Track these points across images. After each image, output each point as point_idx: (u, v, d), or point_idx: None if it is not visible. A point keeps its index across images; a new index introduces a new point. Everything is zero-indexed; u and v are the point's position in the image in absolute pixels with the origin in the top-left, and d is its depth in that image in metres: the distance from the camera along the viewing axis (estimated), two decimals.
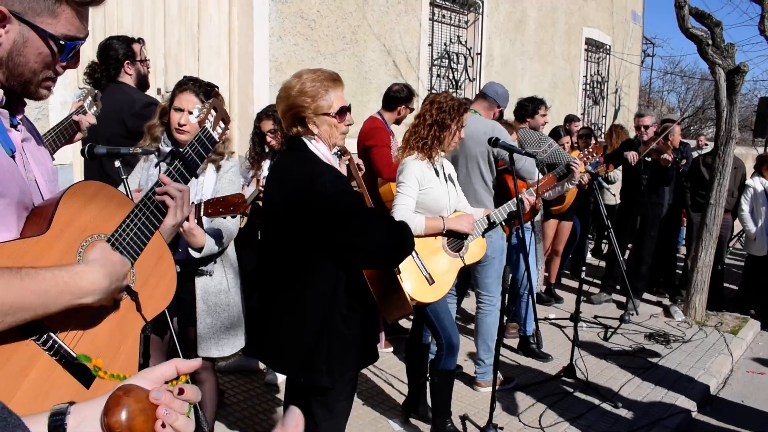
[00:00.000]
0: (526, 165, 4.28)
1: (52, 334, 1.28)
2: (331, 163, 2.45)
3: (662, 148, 6.20)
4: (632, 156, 5.92)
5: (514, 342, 5.43)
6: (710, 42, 6.34)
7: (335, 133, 2.48)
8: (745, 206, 6.85)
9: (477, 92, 5.10)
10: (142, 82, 3.85)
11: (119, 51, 3.72)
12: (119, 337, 1.42)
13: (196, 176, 1.82)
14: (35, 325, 1.25)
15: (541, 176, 4.02)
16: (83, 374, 1.32)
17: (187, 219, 2.52)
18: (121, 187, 2.56)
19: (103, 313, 1.40)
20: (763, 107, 10.30)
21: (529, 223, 5.06)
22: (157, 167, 2.82)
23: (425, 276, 3.28)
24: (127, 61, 3.74)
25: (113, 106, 3.59)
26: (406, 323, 5.26)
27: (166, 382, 0.98)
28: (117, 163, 2.49)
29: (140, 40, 3.87)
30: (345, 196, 2.37)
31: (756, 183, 6.83)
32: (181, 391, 0.95)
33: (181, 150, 1.84)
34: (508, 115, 5.92)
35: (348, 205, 2.36)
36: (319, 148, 2.44)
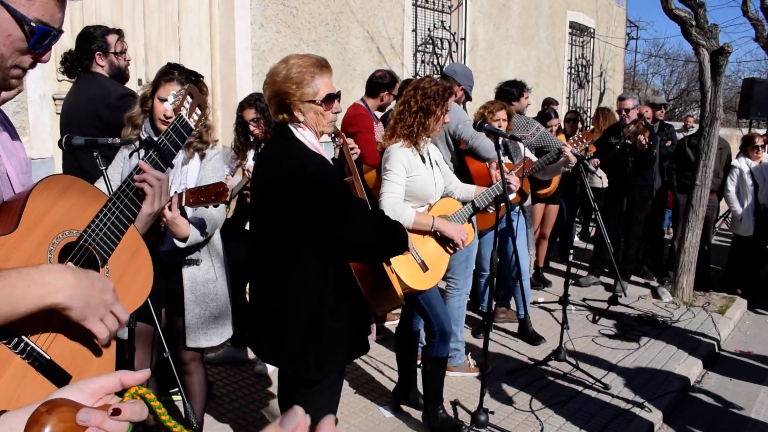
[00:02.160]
0: (483, 144, 4.22)
1: (24, 337, 1.22)
2: (318, 151, 2.40)
3: (639, 130, 6.21)
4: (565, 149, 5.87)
5: (505, 326, 5.45)
6: (694, 23, 6.33)
7: (322, 121, 2.42)
8: (732, 187, 6.88)
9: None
10: (119, 74, 3.74)
11: (91, 42, 3.64)
12: (94, 336, 1.37)
13: (171, 166, 1.77)
14: (5, 330, 1.18)
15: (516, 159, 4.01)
16: (57, 376, 1.27)
17: (170, 209, 2.48)
18: (101, 181, 2.52)
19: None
20: (747, 88, 10.33)
21: (519, 207, 5.05)
22: (131, 157, 2.76)
23: (419, 263, 3.26)
24: (98, 53, 3.64)
25: (88, 97, 3.52)
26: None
27: (123, 393, 0.88)
28: (95, 154, 2.43)
29: (118, 32, 3.78)
30: (332, 188, 2.32)
31: (742, 164, 6.86)
32: (116, 412, 0.82)
33: (155, 139, 1.80)
34: (489, 98, 5.89)
35: (337, 198, 2.32)
36: (305, 135, 2.39)
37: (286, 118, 2.40)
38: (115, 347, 1.45)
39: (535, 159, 5.00)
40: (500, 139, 4.66)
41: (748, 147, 6.91)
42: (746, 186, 6.78)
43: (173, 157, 1.79)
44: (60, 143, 2.61)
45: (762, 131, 8.95)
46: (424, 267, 3.26)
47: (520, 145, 5.08)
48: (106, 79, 3.64)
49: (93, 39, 3.66)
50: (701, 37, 6.29)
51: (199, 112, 1.96)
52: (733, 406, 4.39)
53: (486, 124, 3.55)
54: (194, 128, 1.91)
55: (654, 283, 7.05)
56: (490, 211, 3.63)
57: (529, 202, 5.16)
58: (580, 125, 8.32)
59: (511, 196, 4.70)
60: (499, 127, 4.81)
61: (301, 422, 0.67)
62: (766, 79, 11.62)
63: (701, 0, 6.40)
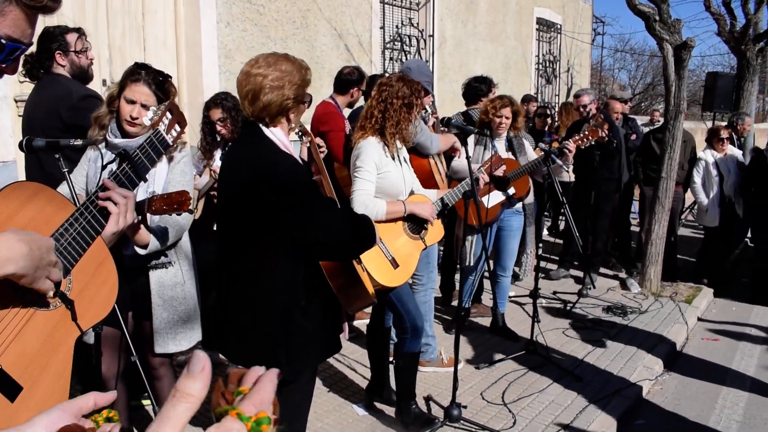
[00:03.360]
0: (424, 140, 4.23)
1: None
2: (288, 150, 2.39)
3: (599, 123, 6.28)
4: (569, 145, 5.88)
5: (478, 321, 5.49)
6: (657, 18, 6.43)
7: (299, 120, 2.45)
8: (697, 179, 7.00)
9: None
10: (81, 73, 3.66)
11: (51, 41, 3.56)
12: (51, 348, 1.32)
13: (145, 180, 1.74)
14: None
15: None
16: (8, 387, 1.24)
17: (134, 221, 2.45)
18: (63, 185, 2.48)
19: (35, 323, 1.31)
20: (710, 82, 10.53)
21: (521, 205, 5.07)
22: (104, 169, 2.71)
23: (389, 260, 3.27)
24: (58, 52, 3.56)
25: (49, 98, 3.44)
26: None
27: (94, 414, 0.90)
28: (57, 156, 2.39)
29: (78, 30, 3.70)
30: (302, 188, 2.31)
31: (707, 156, 6.98)
32: None
33: (130, 153, 1.76)
34: (458, 94, 5.92)
35: (306, 197, 2.31)
36: (276, 134, 2.37)
37: (274, 121, 2.37)
38: (82, 352, 1.43)
39: (532, 156, 5.01)
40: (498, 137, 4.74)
41: (713, 139, 7.04)
42: (711, 177, 6.91)
43: (147, 171, 1.76)
44: (21, 145, 2.56)
45: (724, 123, 9.14)
46: (395, 264, 3.27)
47: (526, 142, 5.13)
48: (68, 80, 3.56)
49: (52, 38, 3.57)
50: (665, 32, 6.39)
51: (178, 129, 1.94)
52: (698, 397, 4.48)
53: (453, 120, 3.56)
54: (171, 145, 1.89)
55: (622, 274, 7.15)
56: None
57: (531, 199, 5.16)
58: (549, 121, 8.41)
59: (510, 191, 4.75)
60: (500, 124, 4.83)
61: (206, 364, 0.69)
62: (729, 73, 11.85)
63: None
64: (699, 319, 6.09)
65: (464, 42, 10.07)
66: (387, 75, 3.76)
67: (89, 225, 1.49)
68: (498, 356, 4.75)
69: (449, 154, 4.79)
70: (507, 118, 4.83)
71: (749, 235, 7.81)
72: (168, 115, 1.89)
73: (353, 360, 4.59)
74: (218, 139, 4.20)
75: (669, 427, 4.05)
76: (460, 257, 3.74)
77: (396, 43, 8.76)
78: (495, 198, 4.68)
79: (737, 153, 7.14)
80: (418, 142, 4.18)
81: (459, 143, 4.52)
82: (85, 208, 1.51)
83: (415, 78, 4.53)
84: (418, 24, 9.15)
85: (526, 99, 8.46)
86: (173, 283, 2.83)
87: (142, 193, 2.74)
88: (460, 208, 4.54)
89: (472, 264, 4.96)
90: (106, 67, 5.60)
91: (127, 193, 1.61)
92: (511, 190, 4.77)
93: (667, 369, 4.91)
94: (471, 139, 4.87)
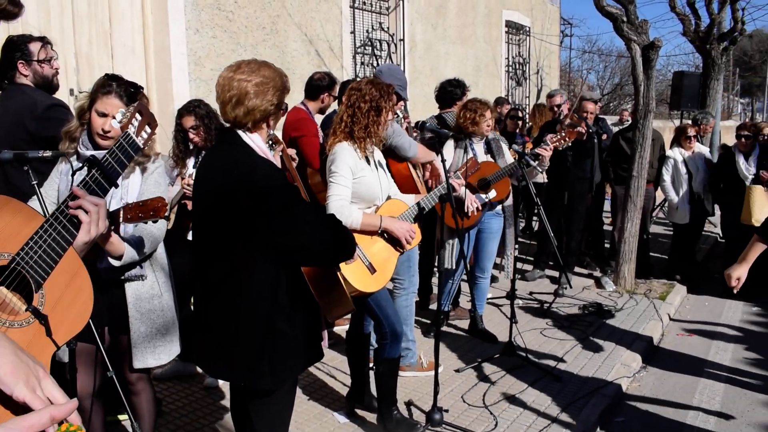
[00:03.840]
0: (402, 142, 4.19)
1: None
2: (266, 155, 2.36)
3: (575, 122, 6.35)
4: (549, 138, 5.93)
5: (456, 324, 5.49)
6: (625, 19, 6.51)
7: (276, 125, 2.44)
8: (667, 177, 7.10)
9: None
10: (45, 83, 3.56)
11: (13, 50, 3.47)
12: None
13: (116, 185, 1.69)
14: None
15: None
16: None
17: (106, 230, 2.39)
18: (33, 199, 2.41)
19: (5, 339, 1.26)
20: (677, 81, 10.69)
21: (500, 207, 5.08)
22: (73, 176, 2.65)
23: (367, 265, 3.24)
24: (20, 62, 3.47)
25: (13, 109, 3.35)
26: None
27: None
28: (26, 168, 2.32)
29: (42, 39, 3.60)
30: (284, 192, 2.28)
31: (676, 154, 7.08)
32: None
33: (99, 158, 1.71)
34: (430, 98, 5.93)
35: (288, 202, 2.28)
36: (254, 139, 2.34)
37: (254, 128, 2.34)
38: (56, 370, 1.39)
39: (510, 158, 5.04)
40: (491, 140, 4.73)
41: (681, 137, 7.14)
42: (681, 175, 7.00)
43: (118, 177, 1.71)
44: None
45: (676, 122, 9.30)
46: (372, 269, 3.25)
47: (504, 144, 5.15)
48: (32, 90, 3.47)
49: (15, 47, 3.48)
50: (632, 32, 6.47)
51: (148, 130, 1.88)
52: (676, 392, 4.53)
53: (428, 124, 3.55)
54: (142, 147, 1.83)
55: (597, 273, 7.21)
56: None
57: (510, 201, 5.18)
58: (520, 123, 8.47)
59: (492, 194, 4.77)
60: (488, 127, 4.87)
61: None
62: (695, 72, 12.04)
63: None
64: (672, 319, 6.16)
65: (435, 45, 10.10)
66: (357, 79, 3.74)
67: (60, 236, 1.44)
68: (477, 359, 4.75)
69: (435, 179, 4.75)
70: (491, 120, 4.88)
71: (719, 231, 7.94)
72: (137, 116, 1.83)
73: (333, 367, 4.55)
74: (191, 147, 4.14)
75: (649, 422, 4.08)
76: (439, 260, 3.73)
77: (367, 47, 8.75)
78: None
79: (705, 150, 7.26)
80: (396, 144, 4.17)
81: (439, 164, 4.50)
82: (55, 219, 1.46)
83: (384, 80, 4.52)
84: (388, 28, 9.15)
85: (499, 101, 8.52)
86: (150, 295, 2.77)
87: (115, 203, 2.68)
88: (448, 216, 4.56)
89: (452, 267, 4.96)
90: (74, 76, 5.50)
91: (97, 200, 1.56)
92: (493, 193, 4.79)
93: (645, 365, 4.96)
94: (450, 143, 4.88)
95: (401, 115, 4.81)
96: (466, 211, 4.64)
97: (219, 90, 2.34)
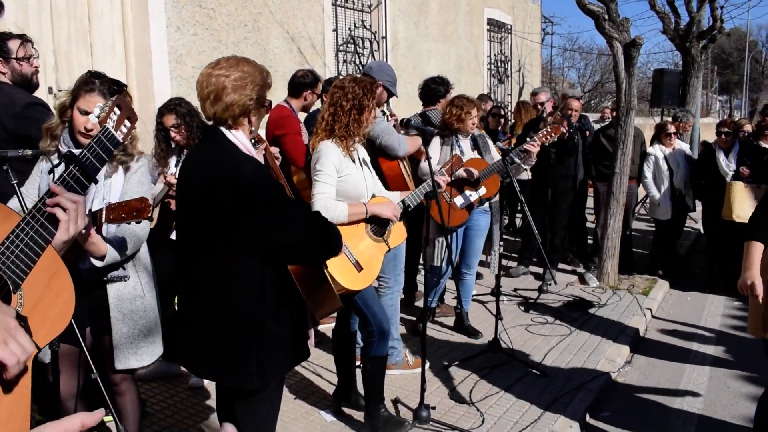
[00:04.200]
0: (391, 141, 4.20)
1: None
2: (251, 153, 2.34)
3: (557, 120, 6.38)
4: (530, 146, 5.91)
5: (441, 320, 5.49)
6: (606, 17, 6.55)
7: (259, 123, 2.42)
8: (648, 173, 7.15)
9: None
10: (24, 82, 3.51)
11: None
12: (3, 369, 1.25)
13: (95, 182, 1.65)
14: None
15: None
16: None
17: (87, 228, 2.35)
18: (13, 199, 2.37)
19: None
20: (657, 78, 10.78)
21: (488, 204, 5.08)
22: (51, 173, 2.60)
23: (353, 263, 3.23)
24: None
25: None
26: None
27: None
28: (5, 168, 2.27)
29: (21, 36, 3.54)
30: (269, 190, 2.26)
31: (656, 150, 7.14)
32: None
33: (77, 153, 1.67)
34: (413, 96, 5.92)
35: (273, 199, 2.26)
36: (238, 137, 2.32)
37: (236, 124, 2.31)
38: (38, 372, 1.35)
39: (496, 154, 5.04)
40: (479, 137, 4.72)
41: (661, 134, 7.20)
42: (662, 172, 7.06)
43: (97, 173, 1.66)
44: None
45: (657, 119, 9.39)
46: (359, 267, 3.23)
47: (490, 141, 5.15)
48: (10, 88, 3.41)
49: None
50: (614, 30, 6.51)
51: (128, 125, 1.83)
52: (660, 386, 4.57)
53: (413, 122, 3.54)
54: (122, 142, 1.79)
55: (581, 269, 7.26)
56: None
57: (496, 198, 5.19)
58: (503, 121, 8.49)
59: (482, 191, 4.77)
60: (473, 125, 4.86)
61: None
62: (675, 70, 12.15)
63: None
64: (654, 316, 6.21)
65: (417, 43, 10.10)
66: (340, 77, 3.71)
67: (38, 234, 1.40)
68: (463, 355, 4.75)
69: (417, 158, 4.77)
70: (476, 118, 4.88)
71: (701, 226, 8.02)
72: (116, 110, 1.78)
73: (319, 366, 4.53)
74: (173, 145, 4.09)
75: (634, 417, 4.11)
76: (425, 258, 3.72)
77: (349, 45, 8.73)
78: (464, 199, 4.74)
79: (685, 147, 7.32)
80: (385, 144, 4.16)
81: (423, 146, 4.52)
82: (32, 217, 1.41)
83: (376, 77, 4.50)
84: (370, 26, 9.13)
85: (481, 98, 8.50)
86: (132, 296, 2.74)
87: (98, 203, 2.64)
88: (434, 210, 4.55)
89: (440, 265, 4.96)
90: (52, 74, 5.42)
91: (76, 197, 1.51)
92: (483, 190, 4.80)
93: (628, 361, 4.99)
94: (437, 141, 4.88)
95: (388, 114, 4.81)
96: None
97: (198, 87, 2.33)
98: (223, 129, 2.31)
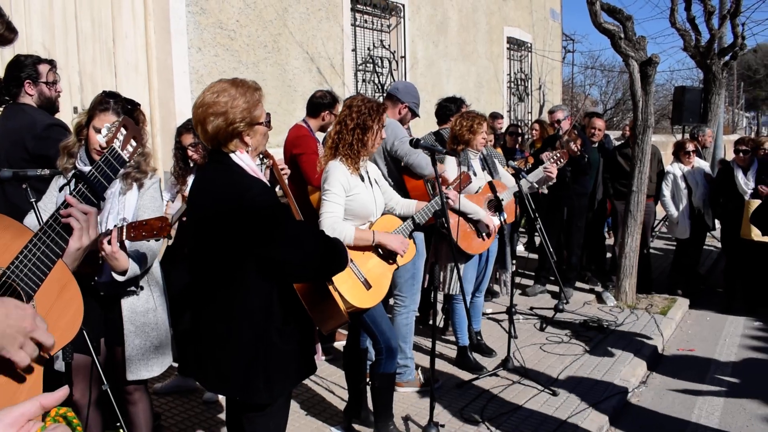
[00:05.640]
0: (418, 160, 4.20)
1: None
2: (256, 174, 2.41)
3: (571, 138, 6.39)
4: (545, 156, 5.93)
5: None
6: (622, 36, 6.57)
7: (263, 141, 2.47)
8: (666, 192, 7.12)
9: None
10: (48, 105, 3.66)
11: (21, 70, 3.56)
12: (17, 377, 1.30)
13: (103, 199, 1.73)
14: None
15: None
16: None
17: (110, 243, 2.45)
18: (31, 214, 2.47)
19: None
20: (678, 96, 10.73)
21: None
22: (62, 191, 2.71)
23: (362, 281, 3.27)
24: (27, 81, 3.57)
25: (14, 128, 3.44)
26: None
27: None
28: (24, 186, 2.38)
29: (51, 62, 3.70)
30: (274, 211, 2.33)
31: (675, 169, 7.10)
32: None
33: (85, 172, 1.75)
34: (431, 114, 5.98)
35: (278, 220, 2.32)
36: (243, 159, 2.39)
37: (230, 147, 2.37)
38: (53, 381, 1.42)
39: (504, 174, 5.05)
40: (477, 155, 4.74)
41: (680, 152, 7.17)
42: (680, 190, 7.02)
43: (104, 190, 1.75)
44: None
45: (678, 136, 9.33)
46: (367, 285, 3.27)
47: (497, 161, 5.17)
48: (33, 109, 3.56)
49: (23, 67, 3.58)
50: (630, 48, 6.53)
51: (134, 144, 1.91)
52: (675, 407, 4.52)
53: (422, 141, 3.59)
54: (128, 161, 1.87)
55: (598, 288, 7.22)
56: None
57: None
58: (520, 139, 8.51)
59: (503, 217, 4.75)
60: (483, 140, 4.84)
61: None
62: (696, 87, 12.08)
63: (628, 13, 6.66)
64: (672, 336, 6.15)
65: (436, 62, 10.18)
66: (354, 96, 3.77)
67: (54, 243, 1.48)
68: (476, 374, 4.74)
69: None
70: (487, 134, 4.87)
71: (720, 245, 7.93)
72: (122, 131, 1.86)
73: (331, 382, 4.57)
74: (191, 164, 4.20)
75: None
76: (434, 282, 3.71)
77: (368, 64, 8.84)
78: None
79: (704, 165, 7.27)
80: (411, 162, 4.20)
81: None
82: (45, 231, 1.50)
83: (402, 99, 4.58)
84: (389, 45, 9.24)
85: (494, 116, 8.54)
86: (145, 309, 2.82)
87: (113, 218, 2.74)
88: (461, 236, 4.54)
89: (456, 293, 4.82)
90: (77, 95, 5.58)
91: (88, 208, 1.60)
92: (504, 215, 4.78)
93: (644, 382, 4.95)
94: (453, 161, 4.76)
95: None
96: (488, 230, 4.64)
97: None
98: (227, 151, 2.38)
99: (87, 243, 1.61)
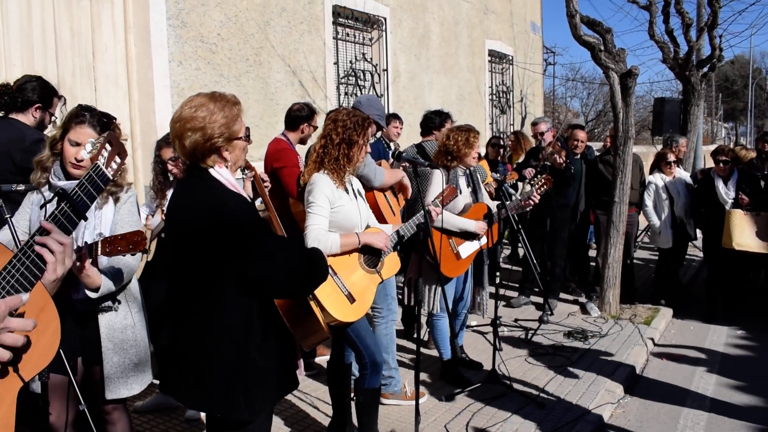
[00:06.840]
0: (367, 172, 4.12)
1: None
2: (235, 188, 2.37)
3: (555, 150, 6.42)
4: (528, 172, 5.97)
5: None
6: (602, 48, 6.63)
7: (242, 156, 2.44)
8: (649, 202, 7.16)
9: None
10: (40, 127, 3.75)
11: (39, 92, 3.65)
12: None
13: (85, 218, 1.68)
14: None
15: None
16: None
17: (81, 260, 2.40)
18: (5, 230, 2.42)
19: None
20: (658, 107, 10.84)
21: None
22: (43, 209, 2.65)
23: (345, 295, 3.24)
24: (38, 106, 3.66)
25: (2, 141, 3.47)
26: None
27: None
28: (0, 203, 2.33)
29: (62, 98, 3.87)
30: (253, 226, 2.29)
31: (656, 179, 7.15)
32: None
33: (68, 190, 1.70)
34: (414, 127, 5.97)
35: (256, 235, 2.29)
36: (222, 173, 2.35)
37: (208, 162, 2.34)
38: (30, 402, 1.38)
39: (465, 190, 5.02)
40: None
41: (661, 163, 7.22)
42: (662, 200, 7.07)
43: (87, 209, 1.70)
44: None
45: (659, 147, 9.39)
46: (351, 298, 3.24)
47: (479, 177, 5.15)
48: (22, 124, 3.63)
49: (41, 92, 3.68)
50: (610, 61, 6.58)
51: (118, 161, 1.86)
52: (661, 418, 4.52)
53: (404, 154, 3.58)
54: (112, 179, 1.83)
55: (582, 299, 7.22)
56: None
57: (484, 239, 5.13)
58: (501, 151, 8.54)
59: (483, 242, 4.71)
60: (475, 157, 4.77)
61: None
62: (676, 98, 12.21)
63: (608, 26, 6.72)
64: (657, 344, 6.16)
65: (418, 75, 10.21)
66: (338, 109, 3.74)
67: (28, 271, 1.44)
68: (461, 387, 4.71)
69: (396, 191, 4.70)
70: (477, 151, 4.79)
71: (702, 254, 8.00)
72: (107, 147, 1.82)
73: (315, 398, 4.52)
74: (170, 178, 4.15)
75: None
76: (418, 296, 3.66)
77: (350, 78, 8.84)
78: (469, 248, 4.67)
79: (685, 175, 7.34)
80: (360, 173, 4.17)
81: (407, 180, 4.47)
82: (23, 253, 1.46)
83: (364, 112, 4.54)
84: (371, 59, 9.25)
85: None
86: (123, 326, 2.77)
87: (89, 233, 2.69)
88: (442, 258, 4.48)
89: (437, 312, 4.78)
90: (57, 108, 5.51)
91: (64, 239, 1.55)
92: (483, 240, 4.74)
93: (628, 393, 4.94)
94: (439, 176, 4.59)
95: (393, 146, 4.84)
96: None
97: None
98: (205, 166, 2.35)
99: (62, 274, 1.56)
